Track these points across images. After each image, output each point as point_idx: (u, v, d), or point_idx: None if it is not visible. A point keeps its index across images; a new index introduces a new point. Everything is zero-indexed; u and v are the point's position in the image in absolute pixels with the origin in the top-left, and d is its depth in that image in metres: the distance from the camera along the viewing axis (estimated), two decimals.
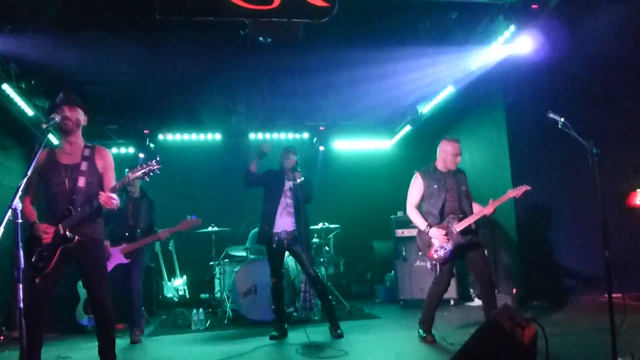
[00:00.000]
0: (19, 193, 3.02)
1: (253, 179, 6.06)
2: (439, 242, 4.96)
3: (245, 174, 6.06)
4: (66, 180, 3.76)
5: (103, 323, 3.85)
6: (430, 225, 5.01)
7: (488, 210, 4.98)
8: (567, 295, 6.99)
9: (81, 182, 3.78)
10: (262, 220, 6.01)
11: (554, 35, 6.55)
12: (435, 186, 5.15)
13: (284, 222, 5.86)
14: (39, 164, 3.36)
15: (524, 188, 5.05)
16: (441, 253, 4.97)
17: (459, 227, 4.97)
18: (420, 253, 5.22)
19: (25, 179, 3.18)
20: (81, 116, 3.92)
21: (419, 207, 5.26)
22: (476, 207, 5.15)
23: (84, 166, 3.83)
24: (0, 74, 6.51)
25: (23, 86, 6.94)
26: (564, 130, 4.18)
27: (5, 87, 6.67)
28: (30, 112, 7.32)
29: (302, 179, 5.79)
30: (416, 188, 5.26)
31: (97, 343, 3.85)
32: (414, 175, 5.32)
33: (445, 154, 5.23)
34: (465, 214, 5.07)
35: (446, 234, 4.95)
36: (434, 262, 5.02)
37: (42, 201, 3.86)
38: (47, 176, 3.75)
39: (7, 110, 7.06)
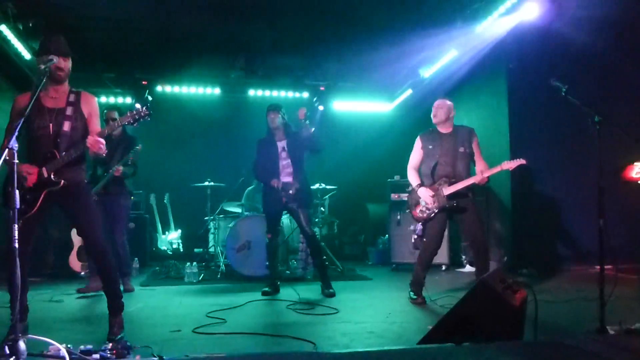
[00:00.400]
0: (16, 133, 2.99)
1: (260, 168, 5.95)
2: (425, 202, 5.08)
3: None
4: (50, 124, 3.69)
5: (103, 266, 3.82)
6: (420, 185, 5.13)
7: (477, 179, 4.96)
8: (557, 265, 7.06)
9: (66, 126, 3.72)
10: (264, 184, 5.94)
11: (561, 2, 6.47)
12: (431, 147, 5.23)
13: (284, 182, 5.81)
14: (24, 107, 3.30)
15: (519, 162, 4.98)
16: (425, 213, 5.10)
17: (447, 190, 5.03)
18: (407, 211, 5.32)
19: (22, 120, 3.13)
20: (70, 64, 3.86)
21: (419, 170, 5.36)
22: (480, 166, 5.13)
23: (69, 111, 3.76)
24: None
25: (20, 27, 6.80)
26: (566, 98, 4.13)
27: (3, 27, 6.52)
28: (27, 54, 7.19)
29: (312, 129, 5.65)
30: (416, 149, 5.37)
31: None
32: (416, 138, 5.40)
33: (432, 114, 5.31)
34: (457, 178, 5.07)
35: (433, 195, 5.03)
36: (418, 222, 5.15)
37: (25, 144, 3.78)
38: (30, 118, 3.64)
39: (3, 51, 6.95)
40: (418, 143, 5.35)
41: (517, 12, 6.42)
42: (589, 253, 6.88)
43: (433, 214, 5.08)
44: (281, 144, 5.84)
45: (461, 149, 5.15)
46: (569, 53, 6.86)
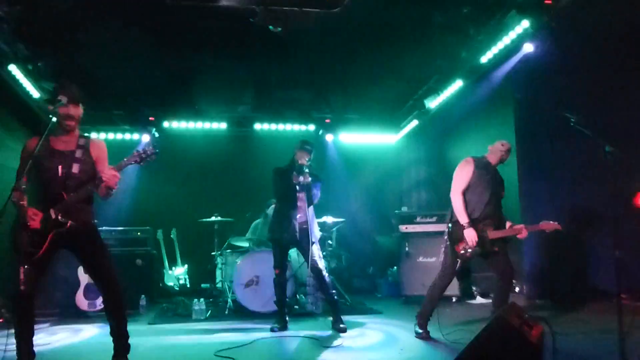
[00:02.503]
0: (24, 175, 2.99)
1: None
2: (470, 242, 4.84)
3: None
4: (60, 167, 3.68)
5: (118, 305, 3.75)
6: (469, 224, 4.84)
7: (516, 233, 4.94)
8: (573, 296, 6.92)
9: (75, 168, 3.70)
10: (278, 215, 5.88)
11: (565, 33, 6.49)
12: (488, 177, 5.01)
13: (298, 216, 5.75)
14: (33, 149, 3.29)
15: (556, 226, 4.99)
16: (468, 253, 4.85)
17: (493, 235, 4.88)
18: (447, 243, 4.99)
19: (31, 161, 3.14)
20: (81, 112, 3.85)
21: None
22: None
23: (78, 154, 3.76)
24: (7, 55, 6.47)
25: (30, 68, 6.90)
26: (575, 128, 4.11)
27: (12, 67, 6.62)
28: (36, 94, 7.29)
29: (309, 180, 5.62)
30: (466, 173, 5.02)
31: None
32: (465, 160, 5.10)
33: (500, 152, 5.13)
34: (499, 221, 4.99)
35: (478, 240, 4.82)
36: (457, 258, 4.92)
37: (34, 186, 3.77)
38: (39, 161, 3.63)
39: (13, 91, 7.04)
40: (470, 166, 5.03)
41: (520, 44, 6.48)
42: (604, 284, 6.77)
43: (474, 255, 4.87)
44: (299, 179, 5.74)
45: (502, 193, 5.13)
46: (578, 83, 6.84)
